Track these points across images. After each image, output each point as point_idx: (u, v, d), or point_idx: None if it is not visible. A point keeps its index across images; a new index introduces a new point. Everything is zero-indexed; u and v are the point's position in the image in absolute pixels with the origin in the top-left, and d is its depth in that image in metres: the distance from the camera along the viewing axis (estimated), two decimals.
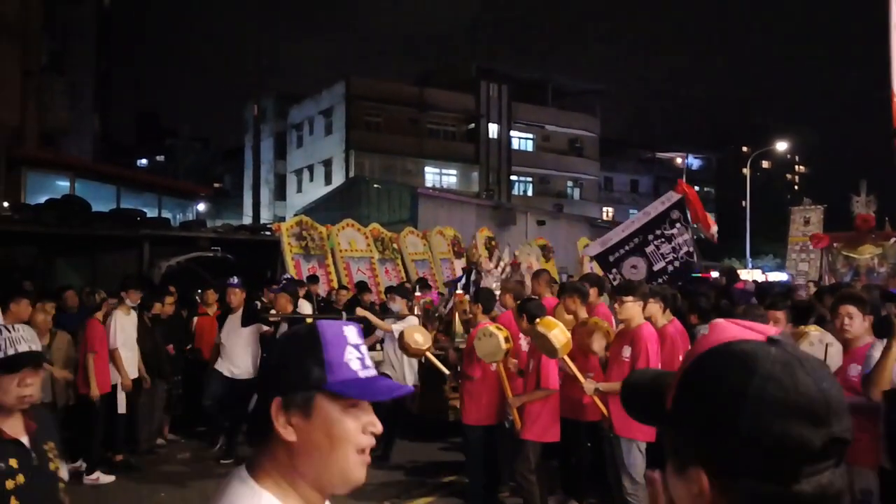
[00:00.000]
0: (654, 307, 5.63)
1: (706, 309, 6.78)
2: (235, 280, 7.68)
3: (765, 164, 64.94)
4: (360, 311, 7.92)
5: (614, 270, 8.88)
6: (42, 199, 16.07)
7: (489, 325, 5.59)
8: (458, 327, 8.48)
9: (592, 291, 6.34)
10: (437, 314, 9.32)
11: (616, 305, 5.23)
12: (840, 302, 4.50)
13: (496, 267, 9.32)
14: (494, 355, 5.45)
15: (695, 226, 9.21)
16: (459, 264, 14.82)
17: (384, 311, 8.52)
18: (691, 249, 8.85)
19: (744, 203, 37.30)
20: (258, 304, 8.62)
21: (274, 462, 1.21)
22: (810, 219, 17.34)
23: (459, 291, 8.68)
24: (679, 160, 60.12)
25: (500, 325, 5.61)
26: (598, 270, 9.31)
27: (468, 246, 10.79)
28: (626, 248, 8.91)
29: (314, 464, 1.20)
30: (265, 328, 7.59)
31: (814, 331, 5.02)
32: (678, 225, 8.79)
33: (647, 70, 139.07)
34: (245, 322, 7.49)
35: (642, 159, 55.99)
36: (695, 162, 60.83)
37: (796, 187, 65.78)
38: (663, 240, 8.82)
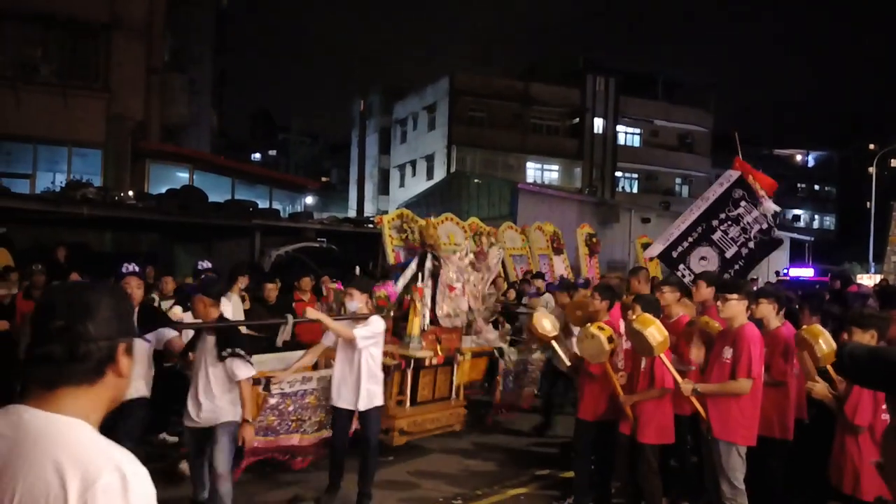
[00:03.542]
0: (768, 308, 5.37)
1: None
2: (132, 267, 4.78)
3: (893, 162, 60.53)
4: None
5: (682, 266, 7.83)
6: (163, 190, 17.13)
7: (590, 326, 5.44)
8: (413, 329, 7.02)
9: (708, 291, 5.89)
10: (386, 313, 6.76)
11: (718, 303, 5.00)
12: None
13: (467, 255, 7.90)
14: (599, 356, 5.36)
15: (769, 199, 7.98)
16: (559, 260, 14.63)
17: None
18: (764, 226, 7.88)
19: (868, 204, 35.01)
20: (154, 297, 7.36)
21: (87, 396, 1.39)
22: None
23: (419, 285, 7.23)
24: (798, 157, 57.05)
25: (602, 325, 5.44)
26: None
27: (424, 225, 8.32)
28: (690, 239, 7.84)
29: (120, 391, 1.45)
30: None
31: None
32: (743, 203, 7.85)
33: (764, 61, 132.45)
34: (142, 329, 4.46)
35: (759, 156, 53.45)
36: (814, 159, 57.53)
37: None
38: (730, 223, 7.87)
